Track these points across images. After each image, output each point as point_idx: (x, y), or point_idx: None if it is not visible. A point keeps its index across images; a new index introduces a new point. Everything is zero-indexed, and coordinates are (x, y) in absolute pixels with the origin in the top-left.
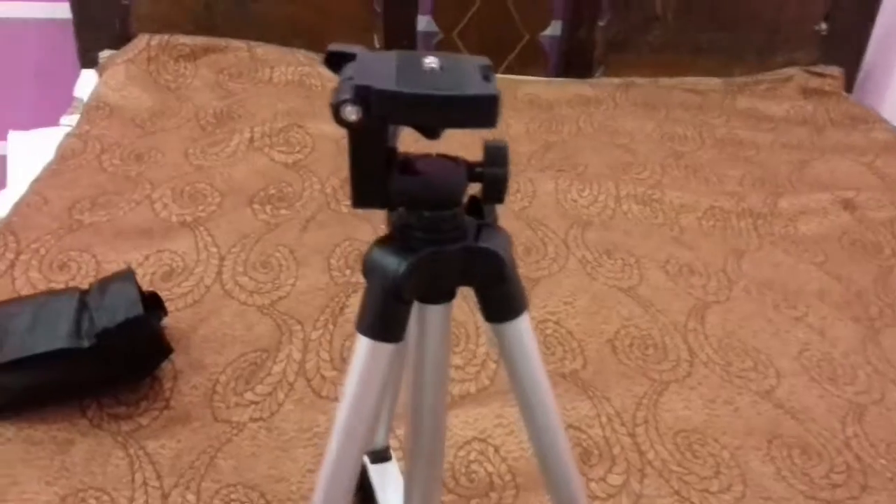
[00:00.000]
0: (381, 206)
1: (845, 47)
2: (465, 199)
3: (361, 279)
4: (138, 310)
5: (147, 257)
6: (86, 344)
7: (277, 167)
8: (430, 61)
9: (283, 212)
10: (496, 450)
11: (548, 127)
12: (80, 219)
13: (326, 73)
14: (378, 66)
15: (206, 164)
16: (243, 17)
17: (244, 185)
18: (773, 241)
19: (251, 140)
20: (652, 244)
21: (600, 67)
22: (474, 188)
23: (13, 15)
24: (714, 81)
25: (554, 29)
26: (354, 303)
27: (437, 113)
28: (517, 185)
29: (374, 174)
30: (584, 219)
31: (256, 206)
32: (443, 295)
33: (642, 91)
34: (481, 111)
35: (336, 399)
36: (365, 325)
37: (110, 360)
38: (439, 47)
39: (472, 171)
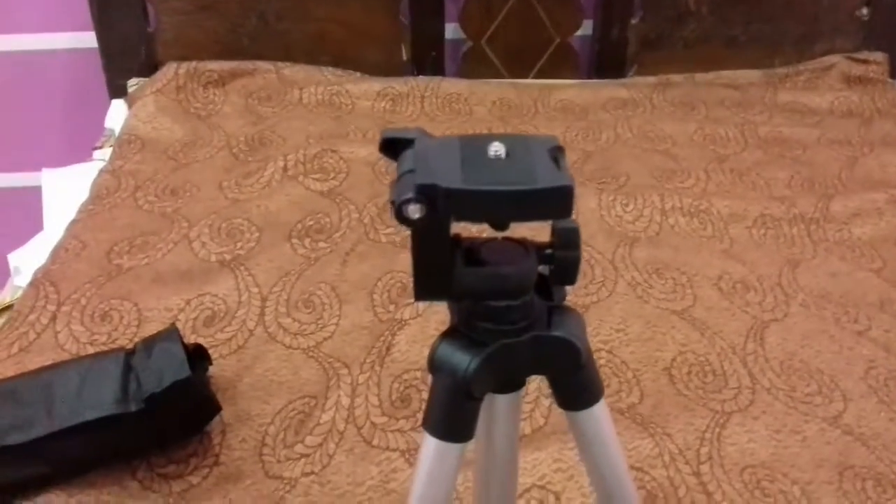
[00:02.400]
0: (446, 298)
1: (888, 32)
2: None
3: (406, 315)
4: (185, 371)
5: (188, 302)
6: (133, 408)
7: (313, 196)
8: (496, 148)
9: (321, 245)
10: (557, 497)
11: (585, 135)
12: (120, 263)
13: (355, 89)
14: (440, 157)
15: (242, 196)
16: (269, 36)
17: (281, 218)
18: (828, 248)
19: (285, 168)
20: (703, 260)
21: (633, 66)
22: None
23: (39, 47)
24: (753, 74)
25: (585, 29)
26: (400, 341)
27: (507, 209)
28: None
29: (438, 267)
30: (630, 236)
31: (295, 241)
32: (513, 385)
33: (679, 90)
34: (555, 203)
35: (387, 448)
36: (433, 425)
37: (159, 423)
38: (468, 56)
39: (541, 254)
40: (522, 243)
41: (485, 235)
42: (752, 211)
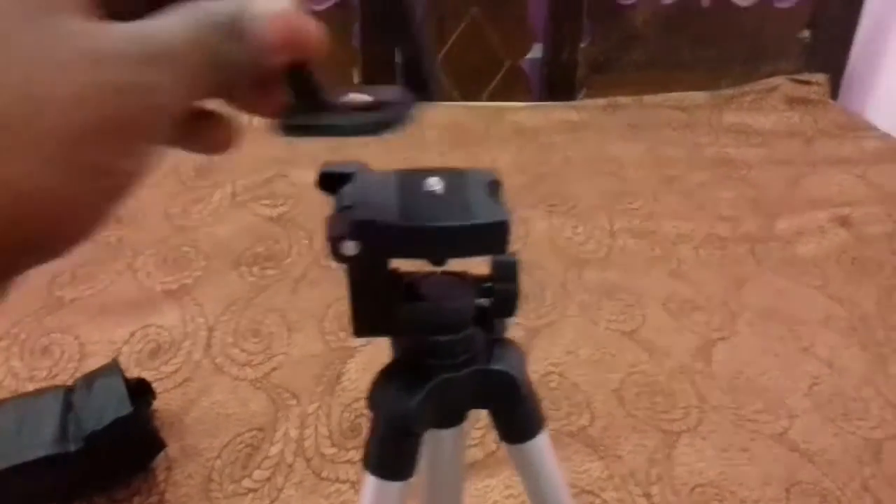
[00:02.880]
0: (385, 334)
1: (829, 54)
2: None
3: (356, 343)
4: (126, 408)
5: (133, 334)
6: (73, 448)
7: (263, 222)
8: (433, 183)
9: (270, 272)
10: None
11: (536, 157)
12: (61, 295)
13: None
14: (377, 192)
15: (189, 223)
16: None
17: (229, 245)
18: (773, 267)
19: (234, 194)
20: (651, 280)
21: (583, 89)
22: None
23: None
24: (700, 96)
25: (535, 52)
26: (351, 369)
27: (443, 245)
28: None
29: (376, 303)
30: (580, 258)
31: (243, 268)
32: (455, 419)
33: (628, 112)
34: (492, 239)
35: (337, 480)
36: (372, 463)
37: (101, 462)
38: None
39: (480, 287)
40: (462, 277)
41: (424, 270)
42: (699, 231)
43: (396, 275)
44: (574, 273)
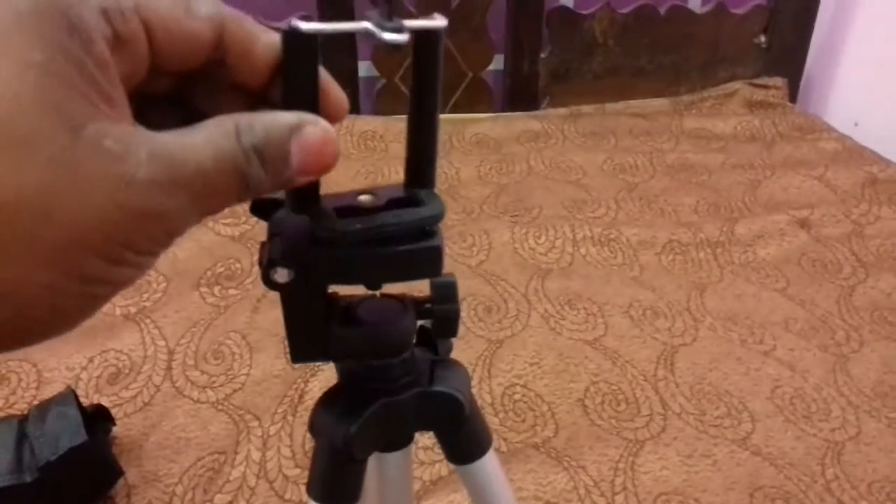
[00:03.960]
0: (323, 360)
1: (786, 58)
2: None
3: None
4: (82, 436)
5: (91, 360)
6: (29, 478)
7: (224, 241)
8: (365, 201)
9: (231, 292)
10: None
11: (498, 168)
12: None
13: None
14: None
15: None
16: None
17: (190, 266)
18: (734, 271)
19: None
20: (613, 288)
21: (546, 98)
22: None
23: None
24: (660, 102)
25: (497, 64)
26: (314, 388)
27: (377, 272)
28: (472, 238)
29: (312, 329)
30: (543, 268)
31: (204, 289)
32: (400, 442)
33: (590, 120)
34: (424, 264)
35: (300, 502)
36: (315, 490)
37: (57, 492)
38: (382, 93)
39: (420, 310)
40: (400, 299)
41: (362, 294)
42: (661, 238)
43: (332, 298)
44: (537, 283)
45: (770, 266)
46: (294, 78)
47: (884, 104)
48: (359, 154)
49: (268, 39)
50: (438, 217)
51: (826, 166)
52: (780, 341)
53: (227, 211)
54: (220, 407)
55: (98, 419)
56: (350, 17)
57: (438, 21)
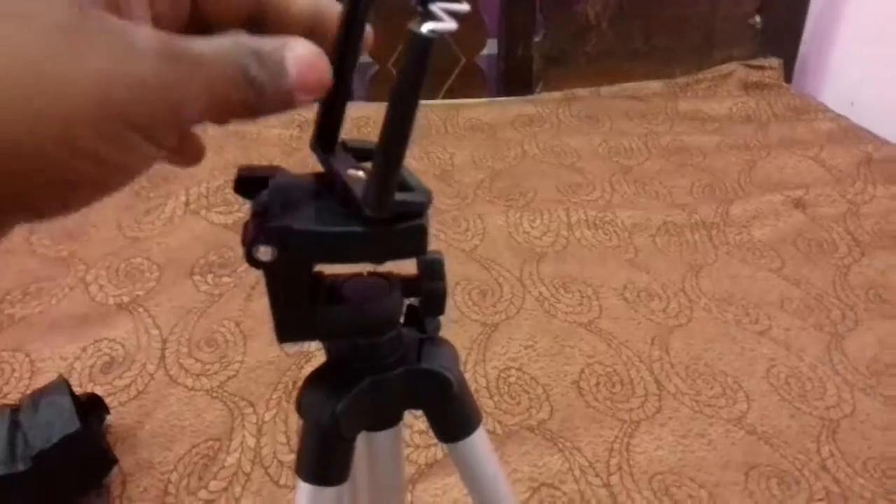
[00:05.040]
0: (309, 339)
1: (781, 38)
2: (401, 317)
3: (313, 346)
4: (75, 425)
5: (84, 349)
6: (22, 468)
7: (217, 230)
8: (353, 176)
9: (225, 279)
10: None
11: (493, 153)
12: (12, 313)
13: (264, 118)
14: (294, 196)
15: (142, 234)
16: None
17: (183, 255)
18: (729, 252)
19: (187, 203)
20: (608, 271)
21: (540, 82)
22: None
23: None
24: (655, 85)
25: (490, 48)
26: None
27: (361, 251)
28: (467, 222)
29: (297, 308)
30: (537, 251)
31: (197, 277)
32: (389, 421)
33: (584, 103)
34: (410, 242)
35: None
36: (305, 469)
37: (51, 481)
38: (376, 79)
39: (406, 287)
40: (386, 277)
41: (347, 272)
42: (655, 220)
43: (317, 278)
44: (531, 267)
45: (765, 246)
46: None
47: (879, 83)
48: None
49: (304, 0)
50: (425, 206)
51: (821, 146)
52: (775, 321)
53: (219, 199)
54: (214, 394)
55: (91, 408)
56: None
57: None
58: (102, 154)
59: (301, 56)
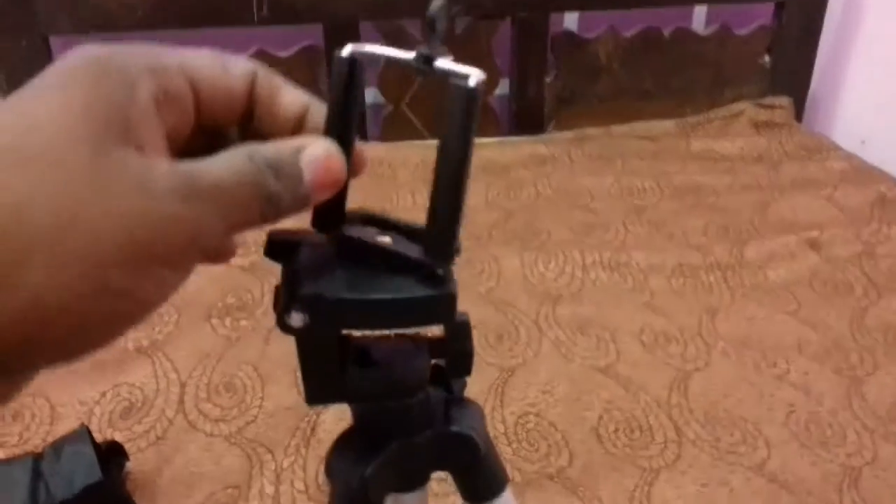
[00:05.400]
0: (339, 401)
1: (791, 77)
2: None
3: None
4: (97, 474)
5: (104, 394)
6: None
7: (234, 272)
8: (383, 242)
9: (243, 323)
10: None
11: (506, 193)
12: None
13: None
14: (323, 261)
15: None
16: None
17: (201, 297)
18: (745, 294)
19: None
20: (624, 314)
21: (552, 122)
22: None
23: None
24: (667, 124)
25: (502, 88)
26: (326, 419)
27: (391, 317)
28: (482, 264)
29: (327, 370)
30: (553, 294)
31: (215, 320)
32: (416, 482)
33: (596, 143)
34: (439, 311)
35: None
36: None
37: None
38: (389, 119)
39: (434, 349)
40: (414, 339)
41: (376, 334)
42: (670, 261)
43: (347, 340)
44: (548, 309)
45: (781, 288)
46: (337, 100)
47: (890, 121)
48: (367, 181)
49: (292, 95)
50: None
51: (834, 186)
52: (793, 365)
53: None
54: (232, 440)
55: (112, 455)
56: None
57: (473, 74)
58: (131, 290)
59: (316, 159)
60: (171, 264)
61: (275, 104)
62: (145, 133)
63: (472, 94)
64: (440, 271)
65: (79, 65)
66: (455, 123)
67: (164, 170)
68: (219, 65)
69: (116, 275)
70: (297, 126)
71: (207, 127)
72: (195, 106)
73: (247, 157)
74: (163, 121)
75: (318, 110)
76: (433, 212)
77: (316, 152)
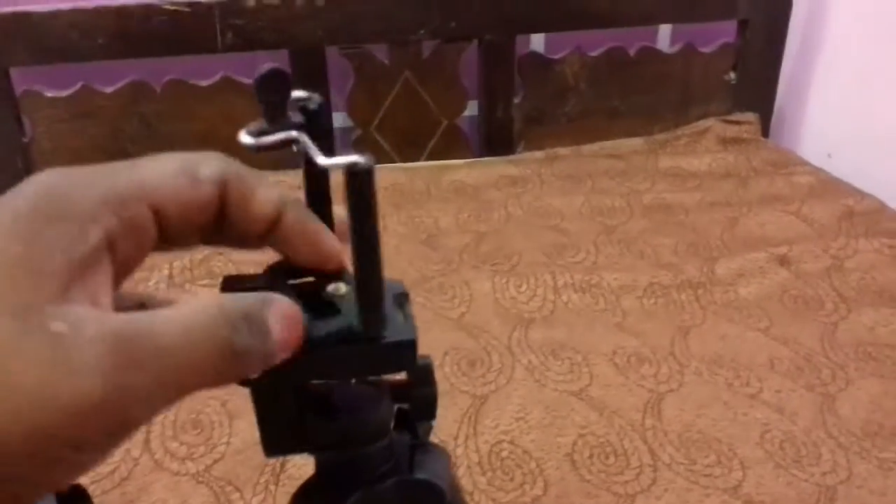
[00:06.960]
0: (299, 452)
1: (757, 93)
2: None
3: None
4: None
5: None
6: None
7: None
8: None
9: None
10: None
11: (477, 216)
12: None
13: None
14: None
15: None
16: (153, 138)
17: None
18: (716, 311)
19: (171, 276)
20: (597, 336)
21: (521, 142)
22: None
23: None
24: (635, 142)
25: (471, 109)
26: (296, 456)
27: (349, 368)
28: (453, 289)
29: (285, 421)
30: (525, 317)
31: None
32: None
33: (566, 163)
34: (399, 358)
35: None
36: None
37: None
38: (358, 143)
39: (397, 393)
40: (376, 385)
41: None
42: (642, 281)
43: (305, 388)
44: (520, 333)
45: (752, 305)
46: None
47: (856, 134)
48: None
49: (265, 194)
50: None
51: (802, 201)
52: (765, 383)
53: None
54: (200, 479)
55: (75, 500)
56: (323, 81)
57: (361, 160)
58: (33, 479)
59: (282, 311)
60: (85, 446)
61: (248, 207)
62: (89, 283)
63: (364, 174)
64: (384, 338)
65: (25, 207)
66: (358, 206)
67: (95, 333)
68: (186, 177)
69: (15, 469)
70: (271, 225)
71: (171, 239)
72: (158, 229)
73: (216, 307)
74: (115, 259)
75: (295, 207)
76: (360, 293)
77: (283, 305)
